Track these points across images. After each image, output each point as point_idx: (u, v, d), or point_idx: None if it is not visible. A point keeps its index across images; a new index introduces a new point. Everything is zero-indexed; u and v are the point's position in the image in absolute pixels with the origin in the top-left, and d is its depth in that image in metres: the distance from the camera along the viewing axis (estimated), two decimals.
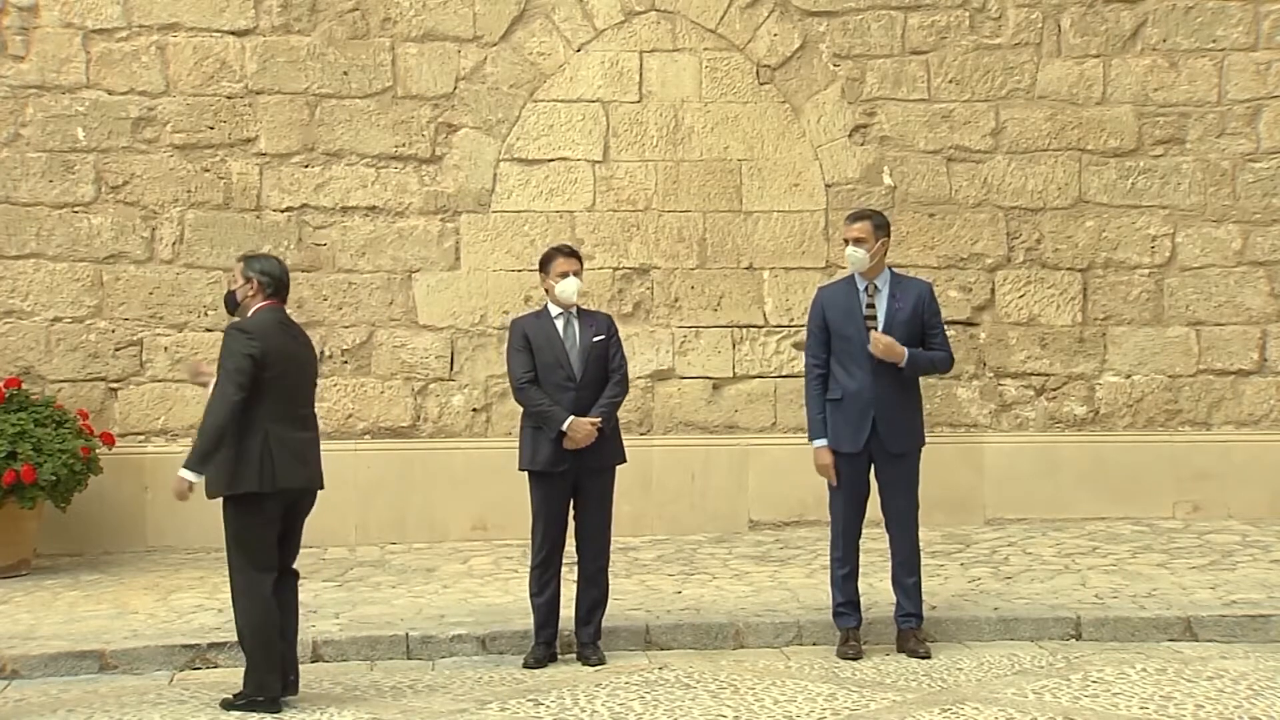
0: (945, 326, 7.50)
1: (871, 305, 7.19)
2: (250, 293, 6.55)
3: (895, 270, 7.42)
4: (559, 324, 7.26)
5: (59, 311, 9.80)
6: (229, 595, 8.23)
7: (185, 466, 6.25)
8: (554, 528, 7.20)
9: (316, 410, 6.79)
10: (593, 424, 7.08)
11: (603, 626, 7.30)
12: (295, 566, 6.70)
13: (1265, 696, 6.40)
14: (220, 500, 6.42)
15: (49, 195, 9.78)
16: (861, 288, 7.24)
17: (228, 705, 6.46)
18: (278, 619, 6.42)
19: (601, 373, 7.23)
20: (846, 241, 7.28)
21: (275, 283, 6.58)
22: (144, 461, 9.69)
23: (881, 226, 7.25)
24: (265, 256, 6.84)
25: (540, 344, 7.22)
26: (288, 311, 6.71)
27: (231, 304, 6.67)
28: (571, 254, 7.33)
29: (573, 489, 7.21)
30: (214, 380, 6.45)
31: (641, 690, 6.70)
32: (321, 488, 6.67)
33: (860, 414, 7.14)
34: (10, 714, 6.50)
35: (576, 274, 7.24)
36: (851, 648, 7.20)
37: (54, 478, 8.85)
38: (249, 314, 6.55)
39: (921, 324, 7.19)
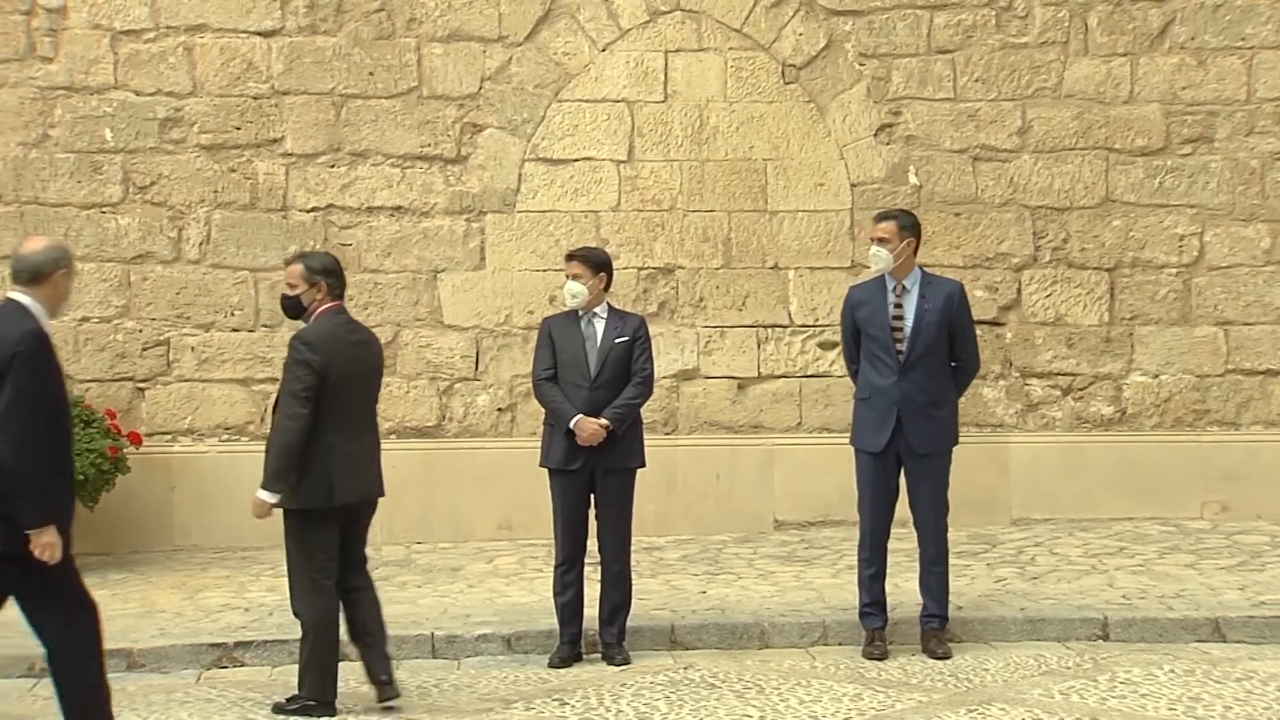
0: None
1: (899, 306, 7.17)
2: (318, 296, 6.41)
3: (926, 270, 7.39)
4: (583, 323, 7.28)
5: (87, 311, 9.85)
6: (255, 595, 8.33)
7: (262, 487, 6.24)
8: (572, 527, 7.21)
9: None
10: (600, 425, 7.08)
11: (628, 626, 7.30)
12: (361, 571, 6.61)
13: None
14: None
15: (77, 195, 9.83)
16: (890, 288, 7.22)
17: (279, 710, 6.42)
18: (338, 622, 6.39)
19: (622, 374, 7.21)
20: (872, 241, 7.27)
21: (340, 281, 6.47)
22: (171, 461, 9.73)
23: (908, 227, 7.21)
24: (318, 254, 6.69)
25: (562, 342, 7.26)
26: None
27: (294, 309, 6.50)
28: (573, 257, 7.31)
29: (590, 489, 7.22)
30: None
31: (667, 690, 6.70)
32: (382, 495, 6.62)
33: (884, 413, 7.13)
34: (39, 713, 6.53)
35: (576, 277, 7.22)
36: (877, 648, 7.18)
37: (82, 477, 8.88)
38: (313, 318, 6.44)
39: (950, 325, 7.15)
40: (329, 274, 6.43)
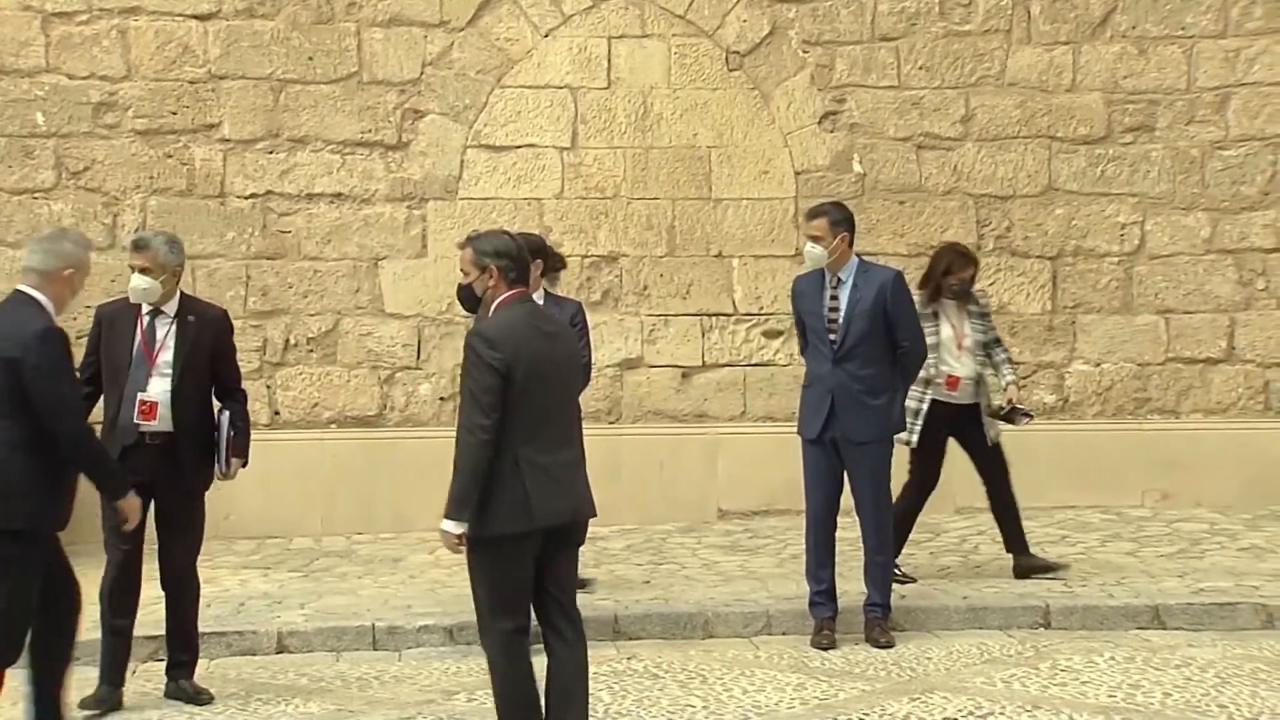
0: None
1: (835, 297, 7.22)
2: (490, 283, 5.34)
3: (865, 259, 7.40)
4: None
5: None
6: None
7: (446, 516, 5.22)
8: None
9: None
10: None
11: None
12: (567, 612, 5.42)
13: (1232, 685, 6.41)
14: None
15: (8, 181, 9.63)
16: (828, 279, 7.24)
17: None
18: (530, 674, 5.29)
19: None
20: (807, 239, 7.29)
21: (516, 264, 5.35)
22: None
23: (839, 221, 7.22)
24: (493, 234, 5.52)
25: None
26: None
27: (469, 300, 5.69)
28: None
29: None
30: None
31: (610, 680, 6.65)
32: (593, 515, 5.53)
33: (819, 401, 7.18)
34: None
35: None
36: (825, 637, 7.17)
37: None
38: (491, 310, 5.39)
39: (885, 314, 7.15)
40: (500, 256, 5.33)
